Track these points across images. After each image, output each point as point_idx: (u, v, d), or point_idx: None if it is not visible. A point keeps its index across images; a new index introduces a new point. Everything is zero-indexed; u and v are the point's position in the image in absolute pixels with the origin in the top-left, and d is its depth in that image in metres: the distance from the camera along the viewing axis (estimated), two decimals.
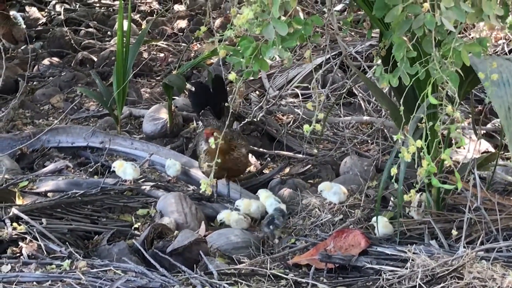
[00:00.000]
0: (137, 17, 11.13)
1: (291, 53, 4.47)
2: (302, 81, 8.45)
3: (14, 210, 5.55)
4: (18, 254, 5.23)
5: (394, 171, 4.33)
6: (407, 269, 4.77)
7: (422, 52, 4.53)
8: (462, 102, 7.21)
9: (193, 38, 9.79)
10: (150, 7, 11.73)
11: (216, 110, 6.85)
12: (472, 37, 7.27)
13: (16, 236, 5.34)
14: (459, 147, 6.36)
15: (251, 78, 4.66)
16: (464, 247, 4.93)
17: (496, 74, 4.51)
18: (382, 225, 5.49)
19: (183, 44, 10.02)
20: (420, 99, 4.55)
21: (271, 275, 5.03)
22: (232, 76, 4.45)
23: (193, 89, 7.10)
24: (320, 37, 4.76)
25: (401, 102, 4.44)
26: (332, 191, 6.08)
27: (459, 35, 4.40)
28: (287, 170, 7.04)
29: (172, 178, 6.65)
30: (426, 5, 4.25)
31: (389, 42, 5.06)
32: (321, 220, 5.92)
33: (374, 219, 5.52)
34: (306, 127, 4.39)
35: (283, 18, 4.33)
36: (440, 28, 4.33)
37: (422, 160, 4.29)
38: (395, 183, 4.90)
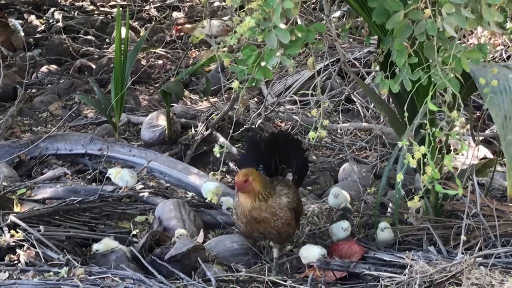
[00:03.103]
0: (135, 24, 11.13)
1: (292, 59, 4.47)
2: (300, 88, 8.46)
3: (12, 218, 5.54)
4: (15, 262, 5.22)
5: (400, 177, 4.32)
6: (405, 275, 4.76)
7: (423, 58, 4.53)
8: (460, 108, 7.22)
9: (191, 45, 9.79)
10: (149, 14, 11.74)
11: (269, 169, 5.70)
12: (471, 44, 7.28)
13: (14, 243, 5.33)
14: (457, 154, 6.38)
15: (248, 86, 4.64)
16: (463, 253, 4.92)
17: (496, 80, 4.51)
18: (382, 231, 5.48)
19: (182, 51, 10.02)
20: (421, 105, 4.55)
21: (269, 282, 5.02)
22: (235, 84, 4.43)
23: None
24: (321, 44, 4.74)
25: (405, 108, 4.44)
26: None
27: (458, 41, 4.40)
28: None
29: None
30: (428, 11, 4.25)
31: (387, 48, 5.07)
32: (320, 229, 5.91)
33: (380, 224, 5.51)
34: (311, 134, 4.39)
35: (283, 26, 4.33)
36: (441, 34, 4.33)
37: (426, 166, 4.28)
38: (395, 190, 4.89)
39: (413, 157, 4.22)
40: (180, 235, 5.57)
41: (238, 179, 5.19)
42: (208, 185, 6.18)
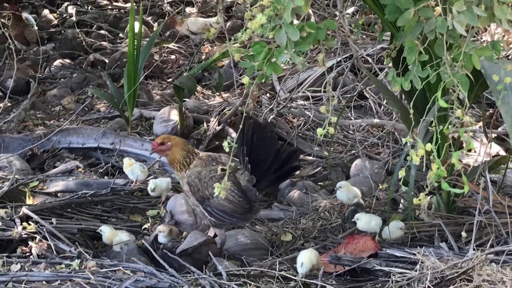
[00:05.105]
0: (149, 19, 11.14)
1: (303, 55, 4.46)
2: (313, 84, 8.45)
3: (24, 210, 5.58)
4: (27, 254, 5.25)
5: (402, 173, 4.32)
6: (416, 271, 4.75)
7: (434, 55, 4.52)
8: (473, 105, 7.20)
9: (204, 40, 9.80)
10: (162, 9, 11.74)
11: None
12: (483, 41, 7.25)
13: (26, 235, 5.37)
14: (470, 150, 6.36)
15: (258, 82, 4.63)
16: (474, 249, 4.91)
17: (510, 78, 4.49)
18: (393, 229, 5.47)
19: (194, 46, 10.03)
20: (430, 102, 4.54)
21: (280, 277, 5.02)
22: (245, 80, 4.43)
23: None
24: (333, 41, 4.73)
25: (411, 106, 4.43)
26: (374, 224, 5.58)
27: (472, 39, 4.38)
28: (297, 172, 7.02)
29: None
30: (438, 8, 4.24)
31: (400, 43, 5.06)
32: (331, 224, 5.91)
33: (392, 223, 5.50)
34: (319, 130, 4.39)
35: (296, 22, 4.33)
36: (452, 32, 4.32)
37: (432, 163, 4.28)
38: (404, 186, 4.88)
39: (417, 155, 4.21)
40: (161, 232, 5.59)
41: (155, 141, 5.55)
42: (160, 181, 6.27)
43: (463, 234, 4.98)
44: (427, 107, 4.68)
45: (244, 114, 4.78)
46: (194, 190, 5.53)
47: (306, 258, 5.06)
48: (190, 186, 5.52)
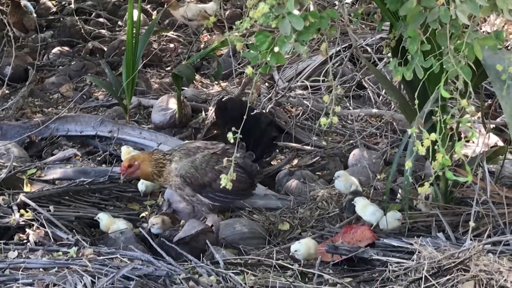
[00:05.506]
0: (147, 7, 11.11)
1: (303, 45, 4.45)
2: (311, 73, 8.44)
3: (21, 197, 5.58)
4: (25, 241, 5.26)
5: (408, 165, 4.32)
6: (413, 261, 4.76)
7: (436, 45, 4.51)
8: (472, 95, 7.18)
9: (203, 28, 9.78)
10: None
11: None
12: (484, 32, 7.24)
13: (23, 222, 5.37)
14: (468, 141, 6.36)
15: (262, 72, 4.61)
16: (471, 240, 4.92)
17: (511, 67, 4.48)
18: (390, 220, 5.47)
19: (193, 35, 10.01)
20: (433, 93, 4.53)
21: (277, 266, 5.03)
22: (249, 70, 4.41)
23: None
24: (335, 30, 4.72)
25: (415, 96, 4.42)
26: (369, 212, 5.56)
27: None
28: (295, 161, 7.04)
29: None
30: None
31: (399, 33, 5.05)
32: (329, 213, 5.91)
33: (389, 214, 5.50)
34: (323, 120, 4.37)
35: (297, 12, 4.31)
36: (454, 21, 4.31)
37: (437, 153, 4.26)
38: (405, 176, 4.88)
39: (422, 145, 4.20)
40: (154, 225, 5.59)
41: (122, 165, 5.62)
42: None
43: (471, 223, 4.92)
44: (428, 97, 4.68)
45: (249, 104, 4.78)
46: (191, 181, 5.55)
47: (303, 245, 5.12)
48: (183, 178, 5.54)
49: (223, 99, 6.69)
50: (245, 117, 4.47)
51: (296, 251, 5.14)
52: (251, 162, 5.75)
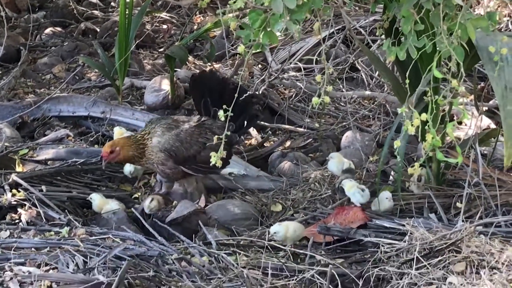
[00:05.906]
0: None
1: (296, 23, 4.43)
2: (305, 55, 8.42)
3: (13, 177, 5.57)
4: (17, 221, 5.26)
5: (397, 144, 4.31)
6: (405, 242, 4.77)
7: (429, 25, 4.50)
8: (464, 78, 7.18)
9: (196, 10, 9.75)
10: None
11: (199, 109, 6.06)
12: (477, 14, 7.23)
13: (15, 202, 5.37)
14: (460, 123, 6.36)
15: (254, 51, 4.60)
16: (463, 221, 4.94)
17: (506, 49, 4.47)
18: (380, 200, 5.48)
19: (186, 16, 9.98)
20: (425, 73, 4.52)
21: (269, 246, 5.04)
22: (241, 48, 4.40)
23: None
24: (328, 10, 4.70)
25: (407, 76, 4.41)
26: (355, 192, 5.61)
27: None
28: (288, 143, 7.03)
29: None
30: None
31: (392, 14, 5.04)
32: (321, 195, 5.91)
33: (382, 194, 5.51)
34: (314, 99, 4.36)
35: None
36: (448, 1, 4.29)
37: (426, 134, 4.26)
38: (397, 157, 4.87)
39: (412, 125, 4.20)
40: (151, 209, 5.56)
41: (104, 151, 5.56)
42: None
43: (463, 205, 4.92)
44: (421, 78, 4.67)
45: (240, 83, 4.80)
46: (176, 154, 5.56)
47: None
48: (168, 152, 5.55)
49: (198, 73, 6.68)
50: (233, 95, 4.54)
51: (275, 232, 5.14)
52: (231, 132, 5.58)
